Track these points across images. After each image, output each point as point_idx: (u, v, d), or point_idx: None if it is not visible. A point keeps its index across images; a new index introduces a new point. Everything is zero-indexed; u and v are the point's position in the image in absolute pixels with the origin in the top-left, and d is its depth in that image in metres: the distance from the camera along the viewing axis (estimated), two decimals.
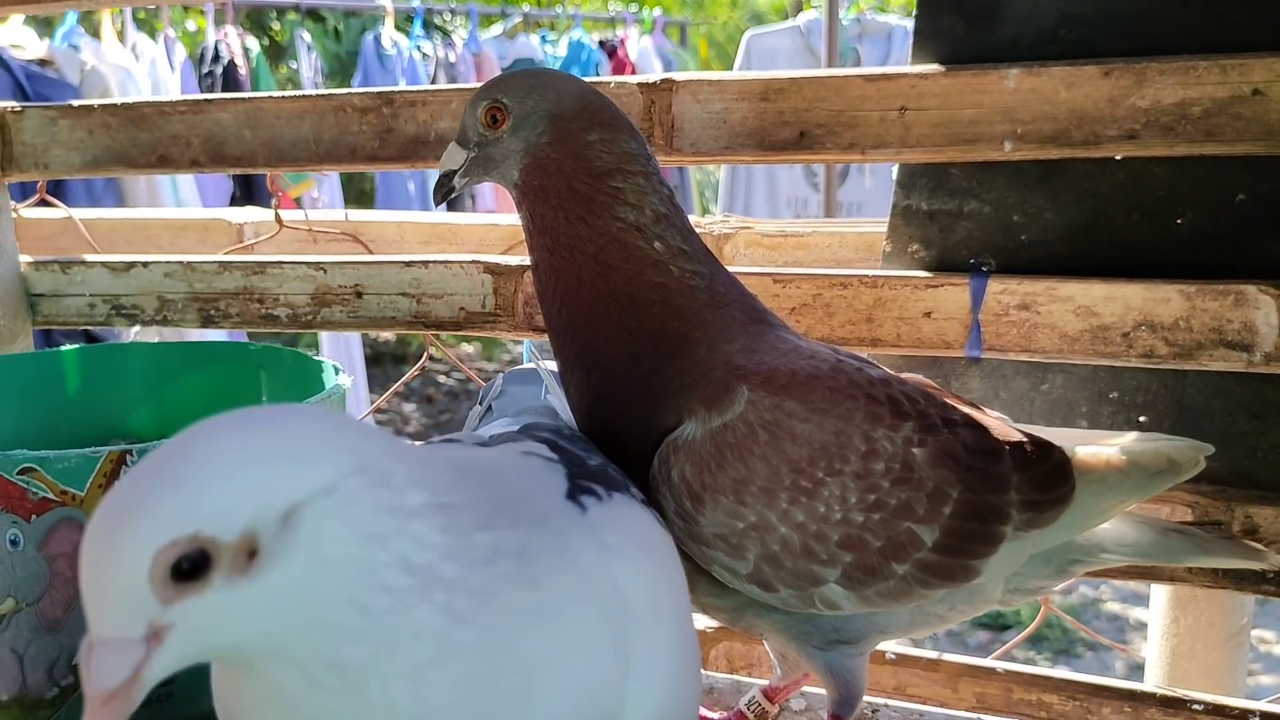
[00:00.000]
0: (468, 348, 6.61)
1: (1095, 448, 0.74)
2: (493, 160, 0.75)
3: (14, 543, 0.77)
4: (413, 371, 1.25)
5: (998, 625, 3.17)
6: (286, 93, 1.10)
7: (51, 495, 0.77)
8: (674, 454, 0.68)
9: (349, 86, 4.67)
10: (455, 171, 0.77)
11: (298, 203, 4.19)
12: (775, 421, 0.67)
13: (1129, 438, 0.76)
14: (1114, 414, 0.95)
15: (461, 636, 0.48)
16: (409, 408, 5.82)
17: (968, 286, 0.92)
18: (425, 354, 1.25)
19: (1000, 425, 0.75)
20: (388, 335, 6.09)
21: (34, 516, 0.77)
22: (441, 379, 6.39)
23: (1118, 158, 0.90)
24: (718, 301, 0.73)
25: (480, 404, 0.85)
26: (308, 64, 5.01)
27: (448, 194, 0.79)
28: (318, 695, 0.46)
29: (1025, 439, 0.73)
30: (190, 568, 0.42)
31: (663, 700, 0.55)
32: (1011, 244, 0.95)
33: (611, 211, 0.72)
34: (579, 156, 0.72)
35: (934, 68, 0.91)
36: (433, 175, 0.81)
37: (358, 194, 5.72)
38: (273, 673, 0.46)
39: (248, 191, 4.47)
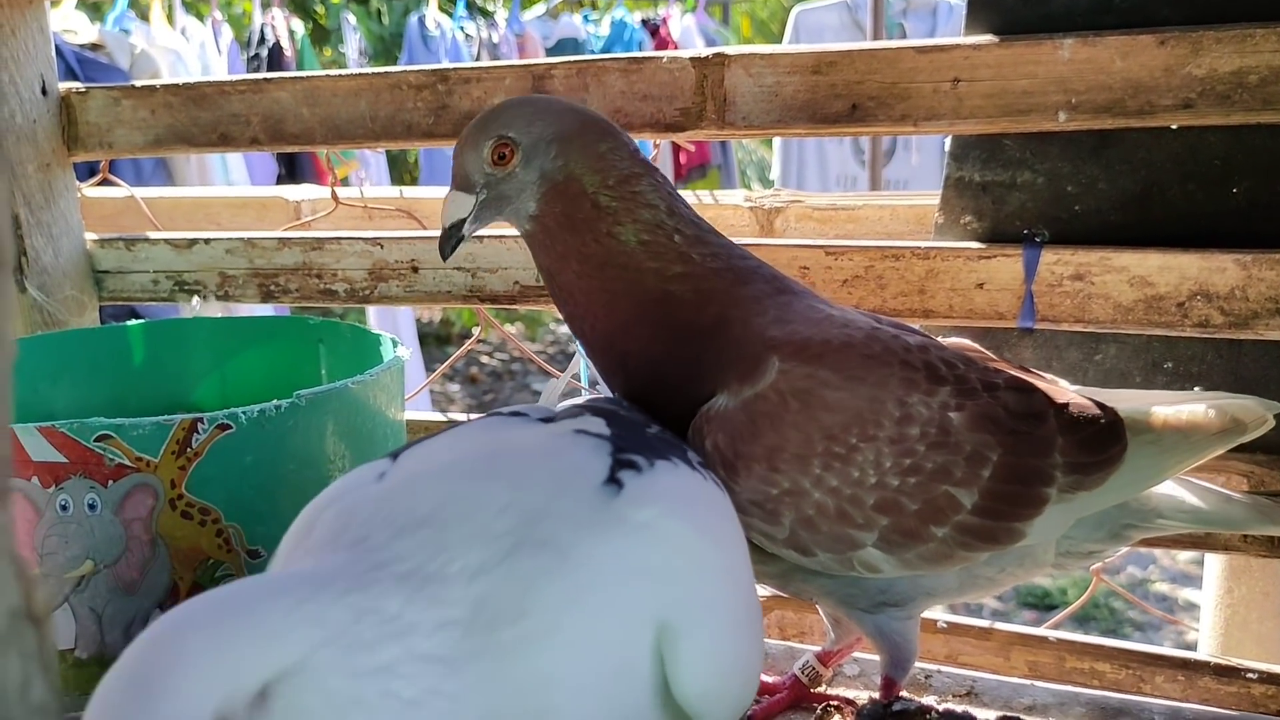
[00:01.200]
0: (510, 328, 6.66)
1: (1155, 407, 0.74)
2: (506, 197, 0.74)
3: (92, 507, 0.80)
4: (465, 347, 1.27)
5: (1044, 605, 3.16)
6: (343, 71, 1.12)
7: (127, 461, 0.80)
8: (707, 424, 0.70)
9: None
10: (464, 219, 0.76)
11: (344, 182, 4.24)
12: (807, 390, 0.68)
13: (1191, 396, 0.76)
14: (1168, 384, 0.95)
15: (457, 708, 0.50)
16: (454, 388, 5.87)
17: (1021, 257, 0.93)
18: (478, 330, 1.27)
19: (1051, 387, 0.75)
20: (431, 316, 6.14)
21: (110, 482, 0.80)
22: (485, 359, 6.43)
23: (1173, 127, 0.89)
24: (742, 277, 0.74)
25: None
26: (353, 45, 5.05)
27: (458, 244, 0.77)
28: None
29: (1073, 401, 0.73)
30: None
31: (717, 652, 0.57)
32: (1065, 214, 0.95)
33: (634, 216, 0.72)
34: (596, 170, 0.73)
35: (987, 39, 0.91)
36: None
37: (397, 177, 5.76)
38: None
39: (292, 171, 4.52)
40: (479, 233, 0.78)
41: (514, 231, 1.10)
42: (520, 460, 0.62)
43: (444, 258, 0.77)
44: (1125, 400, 0.76)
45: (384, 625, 0.49)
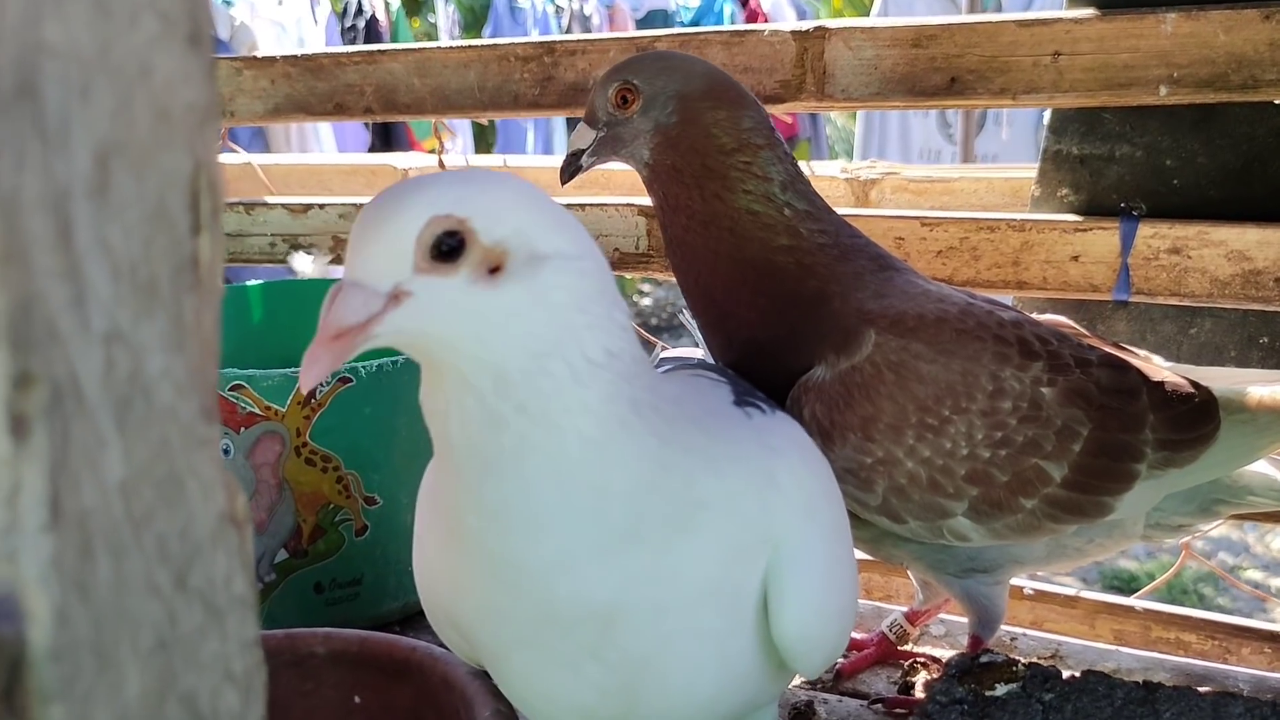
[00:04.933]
0: None
1: (1251, 386, 0.75)
2: (622, 140, 0.78)
3: (225, 452, 0.86)
4: None
5: (1130, 589, 3.12)
6: (454, 43, 1.16)
7: (257, 410, 0.85)
8: (805, 394, 0.72)
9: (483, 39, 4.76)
10: (584, 151, 0.80)
11: (432, 152, 4.31)
12: (901, 362, 0.70)
13: None
14: (1263, 359, 0.95)
15: (642, 432, 0.52)
16: None
17: (1117, 230, 0.93)
18: None
19: (1145, 365, 0.76)
20: None
21: (242, 429, 0.86)
22: None
23: (1276, 102, 0.89)
24: (846, 254, 0.76)
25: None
26: (445, 16, 5.12)
27: (575, 173, 0.81)
28: (499, 426, 0.50)
29: (1167, 379, 0.74)
30: (447, 251, 0.47)
31: (820, 593, 0.59)
32: (1163, 188, 0.95)
33: (743, 185, 0.75)
34: (709, 135, 0.75)
35: (1089, 12, 0.92)
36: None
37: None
38: (459, 393, 0.50)
39: (387, 142, 4.62)
40: (595, 164, 0.82)
41: (615, 199, 1.14)
42: (664, 376, 0.66)
43: (562, 184, 0.82)
44: (1221, 379, 0.76)
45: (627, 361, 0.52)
